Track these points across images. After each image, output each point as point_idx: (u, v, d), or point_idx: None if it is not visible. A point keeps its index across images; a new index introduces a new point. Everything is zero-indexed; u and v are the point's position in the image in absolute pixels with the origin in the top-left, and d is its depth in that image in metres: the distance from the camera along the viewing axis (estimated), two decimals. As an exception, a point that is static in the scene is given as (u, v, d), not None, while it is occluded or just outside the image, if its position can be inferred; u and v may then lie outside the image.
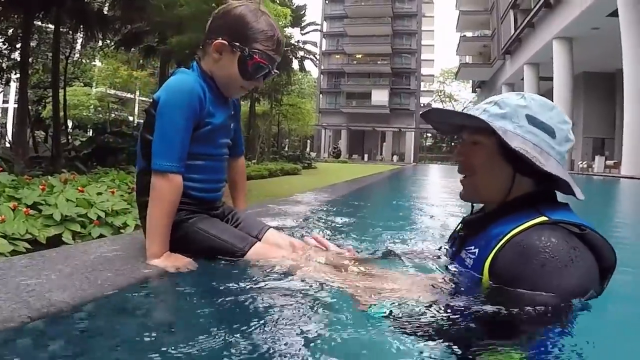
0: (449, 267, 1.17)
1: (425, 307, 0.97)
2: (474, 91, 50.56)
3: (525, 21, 25.44)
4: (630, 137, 15.25)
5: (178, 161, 1.23)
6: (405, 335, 0.83)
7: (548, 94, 21.84)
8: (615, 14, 15.71)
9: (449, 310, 0.96)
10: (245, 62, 1.28)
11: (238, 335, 0.81)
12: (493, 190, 1.10)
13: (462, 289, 1.05)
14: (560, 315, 0.88)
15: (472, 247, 1.09)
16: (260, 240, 1.38)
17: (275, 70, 1.37)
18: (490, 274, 0.99)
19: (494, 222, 1.06)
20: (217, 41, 1.28)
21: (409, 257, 1.40)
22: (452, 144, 53.18)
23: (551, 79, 22.00)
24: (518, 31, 27.31)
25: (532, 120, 1.04)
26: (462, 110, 1.16)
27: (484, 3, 40.28)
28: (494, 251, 0.99)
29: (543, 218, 0.98)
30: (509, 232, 0.99)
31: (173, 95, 1.25)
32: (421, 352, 0.77)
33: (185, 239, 1.28)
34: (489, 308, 0.95)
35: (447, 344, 0.80)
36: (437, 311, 0.95)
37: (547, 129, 1.04)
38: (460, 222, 1.26)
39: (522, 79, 26.67)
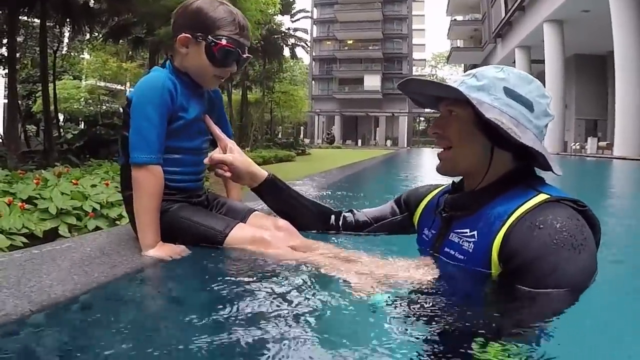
0: (443, 250, 1.12)
1: (427, 294, 0.95)
2: (466, 75, 50.38)
3: (516, 4, 25.29)
4: (621, 118, 15.32)
5: (156, 153, 1.26)
6: (406, 324, 0.82)
7: (540, 76, 21.80)
8: (605, -4, 15.67)
9: (452, 298, 0.95)
10: (211, 49, 1.30)
11: (236, 321, 0.82)
12: (471, 163, 1.07)
13: (466, 275, 1.02)
14: (575, 298, 0.87)
15: (467, 230, 1.05)
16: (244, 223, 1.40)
17: (248, 54, 1.38)
18: (500, 257, 0.95)
19: (488, 202, 1.03)
20: (180, 36, 1.31)
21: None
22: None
23: (543, 61, 21.96)
24: (508, 14, 27.15)
25: (509, 93, 1.02)
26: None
27: (474, -14, 39.99)
28: (502, 232, 0.95)
29: (545, 195, 0.97)
30: (513, 212, 0.96)
31: (145, 92, 1.28)
32: (424, 341, 0.76)
33: (168, 228, 1.30)
34: (499, 296, 0.94)
35: (450, 333, 0.80)
36: (441, 299, 0.94)
37: (525, 102, 1.02)
38: (439, 201, 1.22)
39: (514, 62, 26.63)
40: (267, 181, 1.43)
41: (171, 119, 1.31)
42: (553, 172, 1.03)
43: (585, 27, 20.32)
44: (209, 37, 1.29)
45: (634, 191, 5.52)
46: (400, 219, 1.40)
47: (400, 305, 0.90)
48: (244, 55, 1.37)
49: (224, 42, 1.30)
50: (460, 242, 1.06)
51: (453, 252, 1.08)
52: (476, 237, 1.02)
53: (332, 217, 1.48)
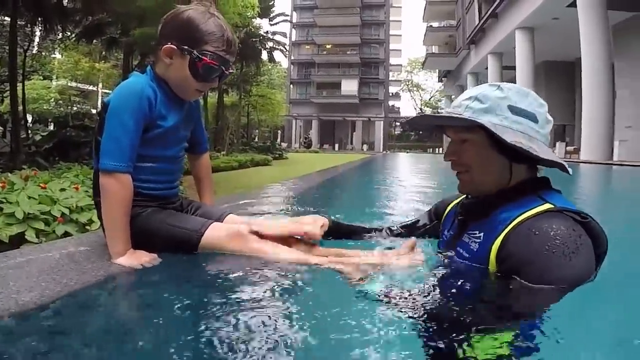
0: (455, 250, 1.18)
1: (419, 284, 1.01)
2: (440, 80, 51.27)
3: (489, 11, 25.90)
4: (588, 124, 15.82)
5: (127, 161, 1.24)
6: (398, 311, 0.86)
7: (511, 82, 22.30)
8: (574, 4, 16.08)
9: (444, 290, 0.99)
10: (195, 64, 1.29)
11: (210, 327, 0.82)
12: (492, 183, 1.11)
13: (466, 271, 1.08)
14: (557, 299, 0.91)
15: (477, 232, 1.11)
16: None
17: (231, 70, 1.38)
18: (497, 258, 1.01)
19: (498, 207, 1.08)
20: (166, 46, 1.29)
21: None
22: (420, 132, 53.88)
23: (514, 68, 22.51)
24: (482, 21, 27.78)
25: (514, 109, 1.06)
26: (441, 111, 1.16)
27: (449, -7, 40.76)
28: (502, 236, 1.01)
29: (549, 205, 1.01)
30: (516, 218, 1.01)
31: (123, 98, 1.26)
32: (413, 328, 0.80)
33: (141, 232, 1.28)
34: (489, 291, 0.99)
35: (440, 321, 0.84)
36: (432, 290, 0.99)
37: (529, 116, 1.07)
38: (458, 205, 1.27)
39: (487, 69, 27.22)
40: (331, 227, 1.44)
41: (149, 127, 1.30)
42: (568, 172, 1.07)
43: (554, 34, 20.94)
44: (195, 52, 1.28)
45: (602, 192, 5.73)
46: (432, 226, 1.47)
47: (391, 294, 0.95)
48: (227, 72, 1.36)
49: (208, 58, 1.29)
50: (469, 242, 1.12)
51: (462, 251, 1.14)
52: (481, 239, 1.08)
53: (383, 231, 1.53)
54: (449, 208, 1.37)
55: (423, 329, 0.81)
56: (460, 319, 0.87)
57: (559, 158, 1.07)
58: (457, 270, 1.11)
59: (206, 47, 1.29)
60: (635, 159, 14.55)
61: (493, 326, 0.83)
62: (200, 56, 1.28)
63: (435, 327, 0.82)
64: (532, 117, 1.07)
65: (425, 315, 0.86)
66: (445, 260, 1.17)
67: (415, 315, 0.86)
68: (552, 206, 1.01)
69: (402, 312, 0.87)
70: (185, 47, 1.28)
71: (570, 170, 1.07)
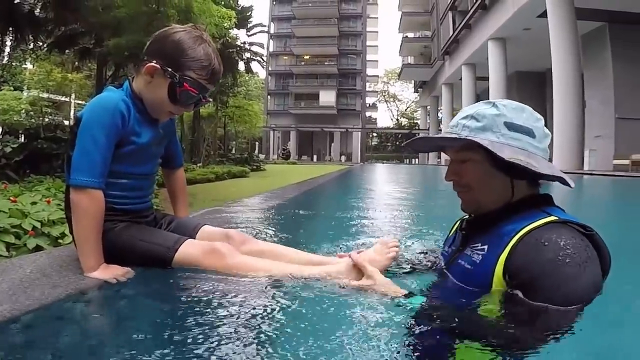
0: (456, 262, 1.17)
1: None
2: (416, 91, 52.07)
3: (463, 22, 26.49)
4: (558, 134, 16.11)
5: (98, 176, 1.22)
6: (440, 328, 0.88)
7: (484, 93, 22.83)
8: (544, 14, 16.47)
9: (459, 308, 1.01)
10: (174, 88, 1.28)
11: (184, 341, 0.82)
12: (494, 200, 1.11)
13: (471, 286, 1.08)
14: (573, 315, 0.90)
15: (479, 244, 1.10)
16: (195, 237, 1.39)
17: (209, 99, 1.38)
18: (506, 270, 0.99)
19: (501, 221, 1.08)
20: (149, 64, 1.28)
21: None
22: (397, 143, 54.51)
23: (487, 78, 23.04)
24: (456, 32, 28.40)
25: (511, 126, 1.07)
26: (440, 131, 1.16)
27: (424, 4, 41.54)
28: (509, 247, 1.00)
29: (553, 217, 1.01)
30: (521, 229, 1.00)
31: (94, 113, 1.25)
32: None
33: (112, 248, 1.27)
34: (500, 306, 0.99)
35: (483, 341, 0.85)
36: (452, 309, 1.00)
37: (526, 131, 1.07)
38: (460, 221, 1.27)
39: (461, 79, 27.77)
40: None
41: (122, 143, 1.28)
42: (569, 185, 1.08)
43: (526, 45, 21.50)
44: (177, 75, 1.27)
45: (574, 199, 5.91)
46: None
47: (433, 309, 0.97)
48: (204, 100, 1.36)
49: (189, 85, 1.28)
50: (471, 254, 1.11)
51: (463, 263, 1.13)
52: (486, 251, 1.07)
53: None
54: (454, 227, 1.37)
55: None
56: (447, 327, 0.90)
57: (559, 171, 1.08)
58: (445, 286, 1.14)
59: (189, 73, 1.28)
60: (604, 168, 14.96)
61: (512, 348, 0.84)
62: (181, 81, 1.27)
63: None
64: (529, 133, 1.07)
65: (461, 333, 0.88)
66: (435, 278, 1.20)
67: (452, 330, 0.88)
68: (557, 218, 1.01)
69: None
70: (169, 69, 1.27)
71: (572, 183, 1.07)
